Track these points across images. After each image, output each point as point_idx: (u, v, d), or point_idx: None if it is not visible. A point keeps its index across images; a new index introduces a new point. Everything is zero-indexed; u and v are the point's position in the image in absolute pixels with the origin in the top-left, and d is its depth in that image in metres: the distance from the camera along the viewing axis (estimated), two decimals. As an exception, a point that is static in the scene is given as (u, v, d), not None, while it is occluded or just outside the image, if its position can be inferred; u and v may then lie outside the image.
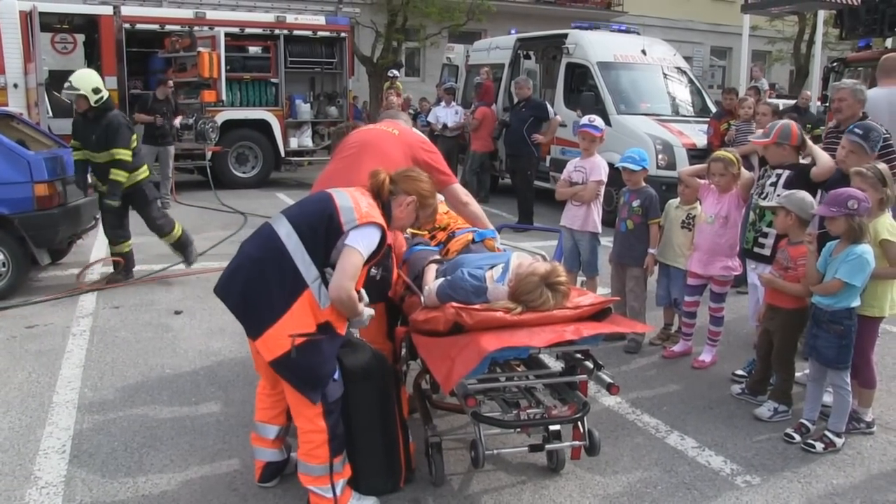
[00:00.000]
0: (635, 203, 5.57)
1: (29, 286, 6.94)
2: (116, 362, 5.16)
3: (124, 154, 6.95)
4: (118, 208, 7.12)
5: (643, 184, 5.65)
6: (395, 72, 17.91)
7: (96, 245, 8.67)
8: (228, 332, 5.73)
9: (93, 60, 14.16)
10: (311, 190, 3.91)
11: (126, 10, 13.41)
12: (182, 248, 7.49)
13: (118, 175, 6.94)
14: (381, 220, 3.19)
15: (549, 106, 11.13)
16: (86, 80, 6.95)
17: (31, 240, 6.59)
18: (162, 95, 12.17)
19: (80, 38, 15.59)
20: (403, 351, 3.61)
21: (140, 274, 7.47)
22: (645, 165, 5.64)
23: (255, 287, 3.09)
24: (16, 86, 12.14)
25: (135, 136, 7.28)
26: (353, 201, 3.17)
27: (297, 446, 3.25)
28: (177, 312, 6.28)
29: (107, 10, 13.26)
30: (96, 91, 6.89)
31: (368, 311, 3.25)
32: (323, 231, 3.09)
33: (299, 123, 14.63)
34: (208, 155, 13.08)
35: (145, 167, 7.35)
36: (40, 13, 12.20)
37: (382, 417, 3.41)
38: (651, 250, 5.54)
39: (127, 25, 13.22)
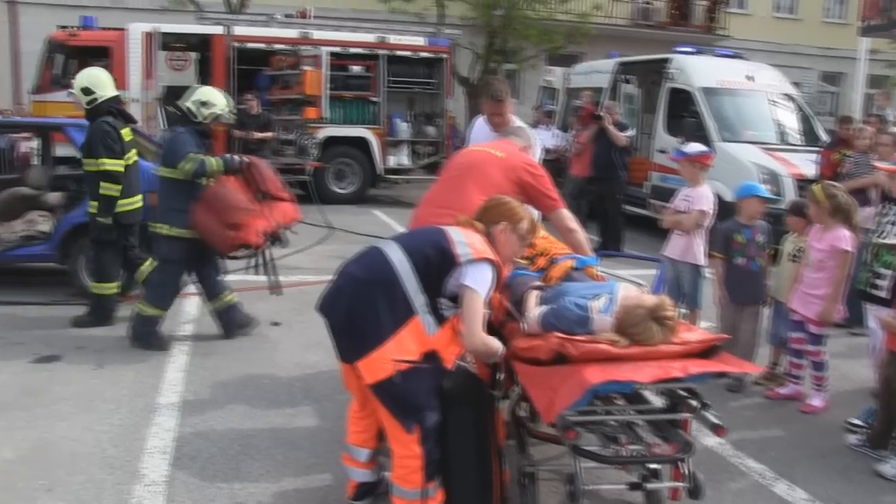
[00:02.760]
0: (760, 238, 5.36)
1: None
2: (216, 369, 5.30)
3: (111, 164, 6.02)
4: (111, 233, 6.20)
5: (758, 217, 5.46)
6: (494, 93, 17.90)
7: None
8: (324, 347, 5.74)
9: (205, 77, 14.73)
10: (415, 209, 3.94)
11: (237, 30, 13.95)
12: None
13: (108, 189, 6.05)
14: (494, 256, 3.23)
15: (629, 127, 10.93)
16: (78, 79, 6.22)
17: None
18: (254, 111, 12.51)
19: (194, 56, 16.24)
20: (501, 377, 3.58)
21: (238, 284, 7.66)
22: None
23: (362, 309, 3.11)
24: (135, 101, 12.76)
25: (134, 151, 6.40)
26: (465, 236, 3.23)
27: (391, 468, 3.24)
28: (274, 324, 6.41)
29: (219, 30, 13.84)
30: (86, 91, 6.11)
31: (500, 347, 3.31)
32: (436, 262, 3.15)
33: (397, 142, 14.82)
34: (308, 170, 13.39)
35: (139, 197, 6.40)
36: (161, 34, 12.82)
37: (478, 444, 3.36)
38: (768, 282, 5.37)
39: (237, 44, 13.74)
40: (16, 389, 4.83)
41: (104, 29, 14.52)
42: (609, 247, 10.13)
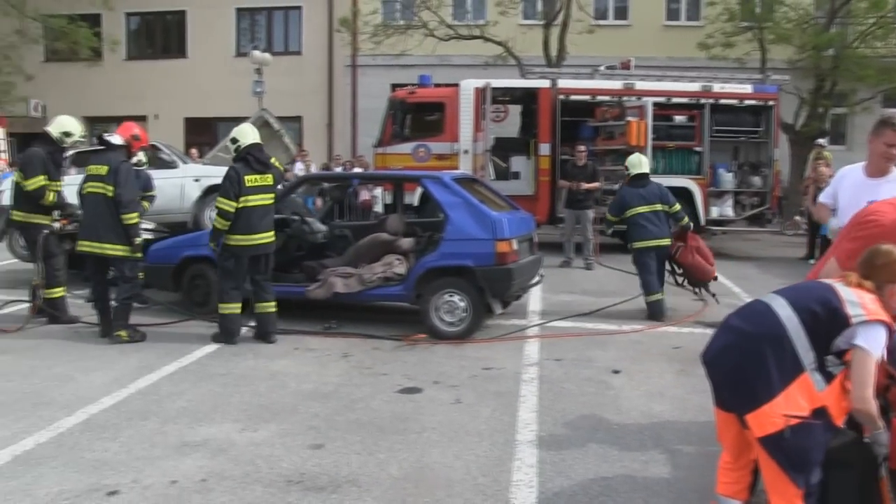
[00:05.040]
0: None
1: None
2: (566, 412, 5.48)
3: (222, 203, 7.06)
4: (226, 261, 7.25)
5: None
6: (822, 141, 16.87)
7: (533, 299, 9.37)
8: (668, 397, 5.79)
9: (528, 129, 15.48)
10: (818, 266, 3.84)
11: (561, 83, 14.50)
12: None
13: (216, 221, 7.18)
14: (888, 318, 3.10)
15: None
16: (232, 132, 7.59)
17: (489, 290, 7.34)
18: (581, 163, 12.78)
19: (514, 108, 17.15)
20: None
21: (577, 330, 7.90)
22: None
23: (751, 363, 3.13)
24: (466, 152, 13.72)
25: (261, 196, 7.25)
26: (857, 296, 3.14)
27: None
28: (615, 372, 6.49)
29: (545, 83, 14.48)
30: (233, 141, 7.42)
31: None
32: (825, 320, 3.10)
33: (721, 192, 14.38)
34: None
35: (259, 234, 7.23)
36: (491, 88, 13.73)
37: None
38: None
39: (562, 97, 14.27)
40: (388, 415, 5.36)
41: (437, 85, 15.84)
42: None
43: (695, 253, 8.65)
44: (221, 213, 7.11)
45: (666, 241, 8.64)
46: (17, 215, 7.94)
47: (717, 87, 14.36)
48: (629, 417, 5.41)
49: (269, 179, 7.36)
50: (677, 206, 8.93)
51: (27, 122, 25.55)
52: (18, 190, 7.87)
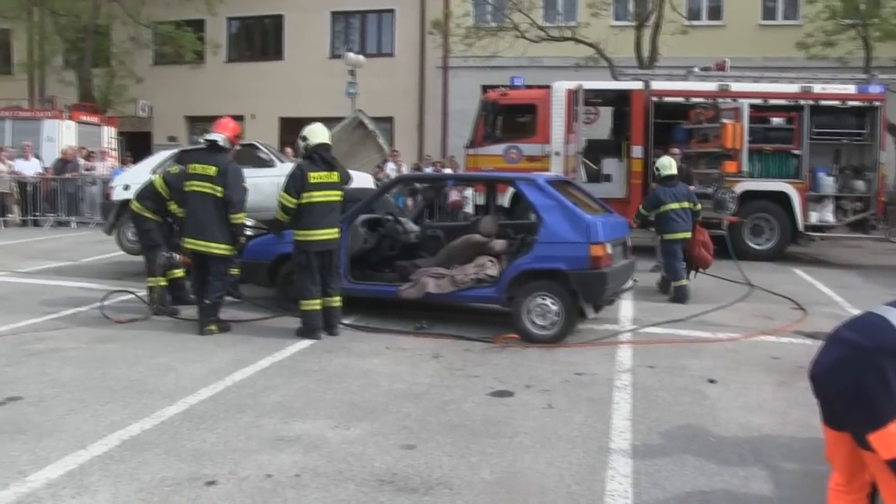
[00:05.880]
0: None
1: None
2: (661, 421, 5.36)
3: (284, 199, 7.37)
4: (301, 257, 7.48)
5: None
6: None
7: (625, 304, 9.24)
8: (768, 410, 5.60)
9: (620, 132, 15.27)
10: None
11: (655, 85, 14.25)
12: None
13: (278, 214, 7.52)
14: None
15: None
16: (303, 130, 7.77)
17: (582, 294, 7.26)
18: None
19: (605, 110, 16.93)
20: None
21: (670, 337, 7.74)
22: None
23: (872, 379, 2.95)
24: (557, 154, 13.63)
25: (325, 192, 7.42)
26: None
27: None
28: (710, 381, 6.32)
29: (638, 85, 14.26)
30: (303, 139, 7.62)
31: None
32: None
33: (821, 197, 13.87)
34: (724, 224, 13.08)
35: (324, 231, 7.42)
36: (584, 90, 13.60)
37: None
38: None
39: (655, 98, 14.01)
40: (480, 418, 5.34)
41: (529, 87, 15.77)
42: None
43: (701, 246, 10.19)
44: (282, 207, 7.41)
45: (689, 234, 9.98)
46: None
47: (817, 88, 13.86)
48: (727, 430, 5.25)
49: (334, 177, 7.52)
50: (699, 206, 10.36)
51: (135, 121, 26.77)
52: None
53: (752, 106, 13.62)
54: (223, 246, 7.54)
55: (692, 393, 6.02)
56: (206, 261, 7.65)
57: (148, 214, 8.50)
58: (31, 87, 27.38)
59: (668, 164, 10.33)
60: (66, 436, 4.82)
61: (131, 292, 8.81)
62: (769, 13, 22.91)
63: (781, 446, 4.97)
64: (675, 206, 9.91)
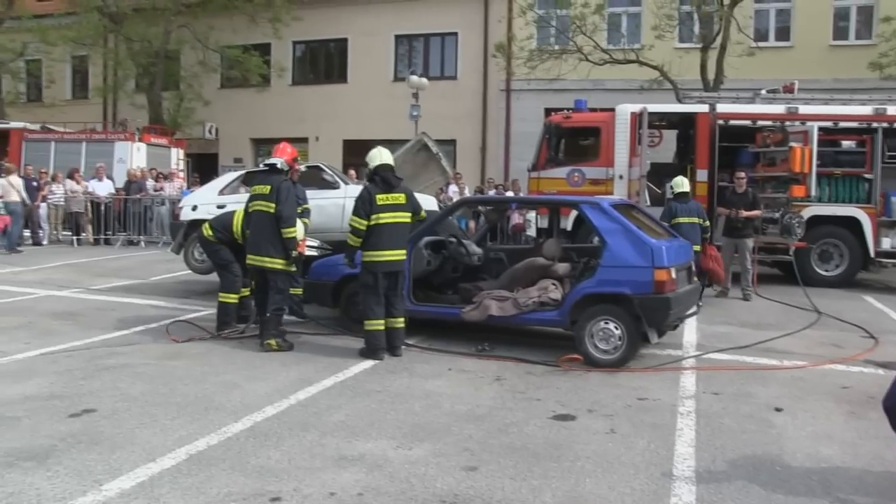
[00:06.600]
0: None
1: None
2: (725, 448, 5.27)
3: (354, 221, 7.46)
4: (366, 277, 7.53)
5: None
6: None
7: (688, 329, 9.10)
8: (837, 441, 5.46)
9: (685, 155, 15.09)
10: None
11: (720, 108, 14.07)
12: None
13: (349, 238, 7.60)
14: None
15: None
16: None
17: (646, 319, 7.19)
18: (741, 189, 12.29)
19: (669, 133, 16.75)
20: None
21: (736, 364, 7.61)
22: None
23: None
24: (621, 177, 13.56)
25: (391, 214, 7.48)
26: None
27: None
28: (777, 409, 6.19)
29: (703, 108, 14.11)
30: (366, 164, 7.71)
31: None
32: None
33: (894, 223, 13.46)
34: (791, 250, 12.82)
35: (392, 251, 7.48)
36: (648, 113, 13.49)
37: None
38: None
39: (720, 122, 13.83)
40: (542, 441, 5.33)
41: (592, 110, 15.72)
42: None
43: (712, 261, 11.21)
44: (352, 230, 7.50)
45: (698, 248, 10.54)
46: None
47: (892, 110, 13.48)
48: (794, 459, 5.13)
49: (401, 198, 7.61)
50: (707, 223, 11.39)
51: (202, 143, 27.54)
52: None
53: (822, 129, 13.29)
54: (277, 260, 7.80)
55: (758, 421, 5.89)
56: (266, 276, 7.89)
57: (214, 240, 8.70)
58: (104, 111, 28.45)
59: (680, 183, 11.43)
60: (137, 448, 4.99)
61: (201, 327, 8.78)
62: (840, 33, 22.45)
63: (852, 479, 4.83)
64: (685, 220, 10.82)
